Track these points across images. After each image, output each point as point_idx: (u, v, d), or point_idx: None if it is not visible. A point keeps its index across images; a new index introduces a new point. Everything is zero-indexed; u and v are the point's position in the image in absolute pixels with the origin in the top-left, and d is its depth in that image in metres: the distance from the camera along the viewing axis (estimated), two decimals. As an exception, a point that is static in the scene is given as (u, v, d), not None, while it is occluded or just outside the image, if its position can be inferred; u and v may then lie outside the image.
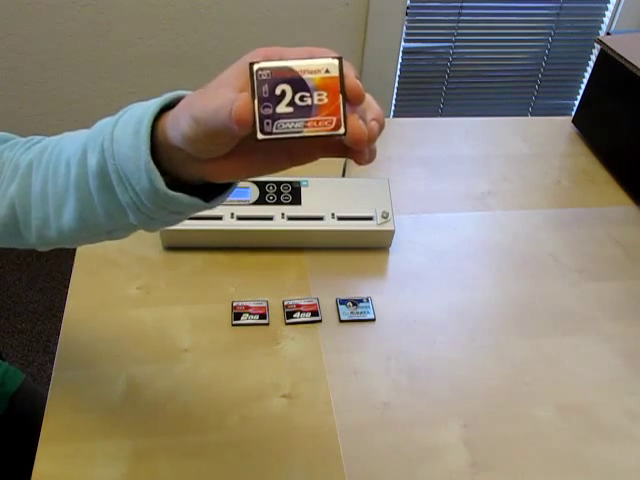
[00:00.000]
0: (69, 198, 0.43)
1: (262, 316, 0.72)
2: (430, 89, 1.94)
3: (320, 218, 0.79)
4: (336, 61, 0.33)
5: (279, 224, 0.78)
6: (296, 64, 0.33)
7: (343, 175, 0.95)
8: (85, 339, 0.68)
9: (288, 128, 0.33)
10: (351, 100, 0.33)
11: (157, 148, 0.39)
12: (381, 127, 0.35)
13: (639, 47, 0.97)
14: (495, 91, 1.98)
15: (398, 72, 1.85)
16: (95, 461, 0.57)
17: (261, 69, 0.33)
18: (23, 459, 0.63)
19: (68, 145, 0.44)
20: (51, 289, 1.81)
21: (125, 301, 0.73)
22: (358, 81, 0.34)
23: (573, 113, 1.11)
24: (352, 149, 0.35)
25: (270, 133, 0.33)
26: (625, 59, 0.95)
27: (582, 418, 0.65)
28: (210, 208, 0.42)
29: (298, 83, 0.33)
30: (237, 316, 0.71)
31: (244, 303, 0.73)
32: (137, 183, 0.39)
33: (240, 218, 0.78)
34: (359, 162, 0.36)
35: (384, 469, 0.59)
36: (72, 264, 0.76)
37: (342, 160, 0.97)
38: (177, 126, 0.36)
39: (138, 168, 0.38)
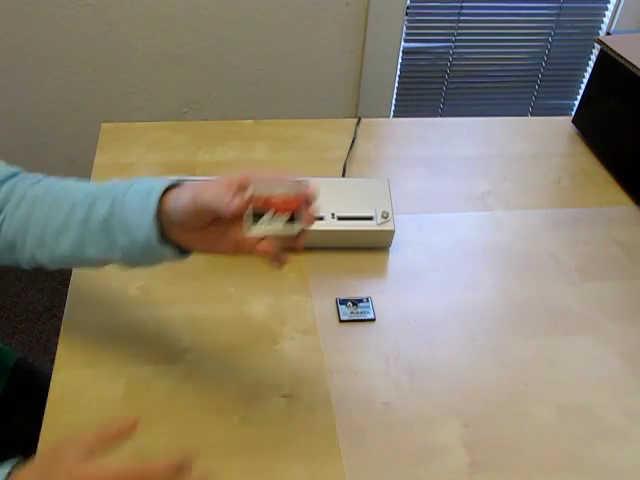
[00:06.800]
0: (69, 230, 0.56)
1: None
2: (430, 89, 1.94)
3: (320, 218, 0.79)
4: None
5: (279, 224, 0.78)
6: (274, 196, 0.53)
7: (343, 175, 0.95)
8: (85, 339, 0.68)
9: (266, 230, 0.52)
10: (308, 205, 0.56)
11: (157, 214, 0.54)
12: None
13: (639, 47, 0.97)
14: (495, 91, 1.98)
15: (398, 72, 1.85)
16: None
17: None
18: (29, 433, 0.63)
19: (74, 191, 0.58)
20: (51, 289, 1.81)
21: (125, 301, 0.73)
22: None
23: (573, 113, 1.11)
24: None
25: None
26: (625, 59, 0.95)
27: (582, 418, 0.65)
28: (174, 261, 0.57)
29: (275, 205, 0.52)
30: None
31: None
32: (136, 232, 0.53)
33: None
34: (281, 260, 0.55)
35: (384, 469, 0.59)
36: (72, 264, 0.76)
37: (342, 160, 0.97)
38: (179, 199, 0.52)
39: (140, 223, 0.53)
